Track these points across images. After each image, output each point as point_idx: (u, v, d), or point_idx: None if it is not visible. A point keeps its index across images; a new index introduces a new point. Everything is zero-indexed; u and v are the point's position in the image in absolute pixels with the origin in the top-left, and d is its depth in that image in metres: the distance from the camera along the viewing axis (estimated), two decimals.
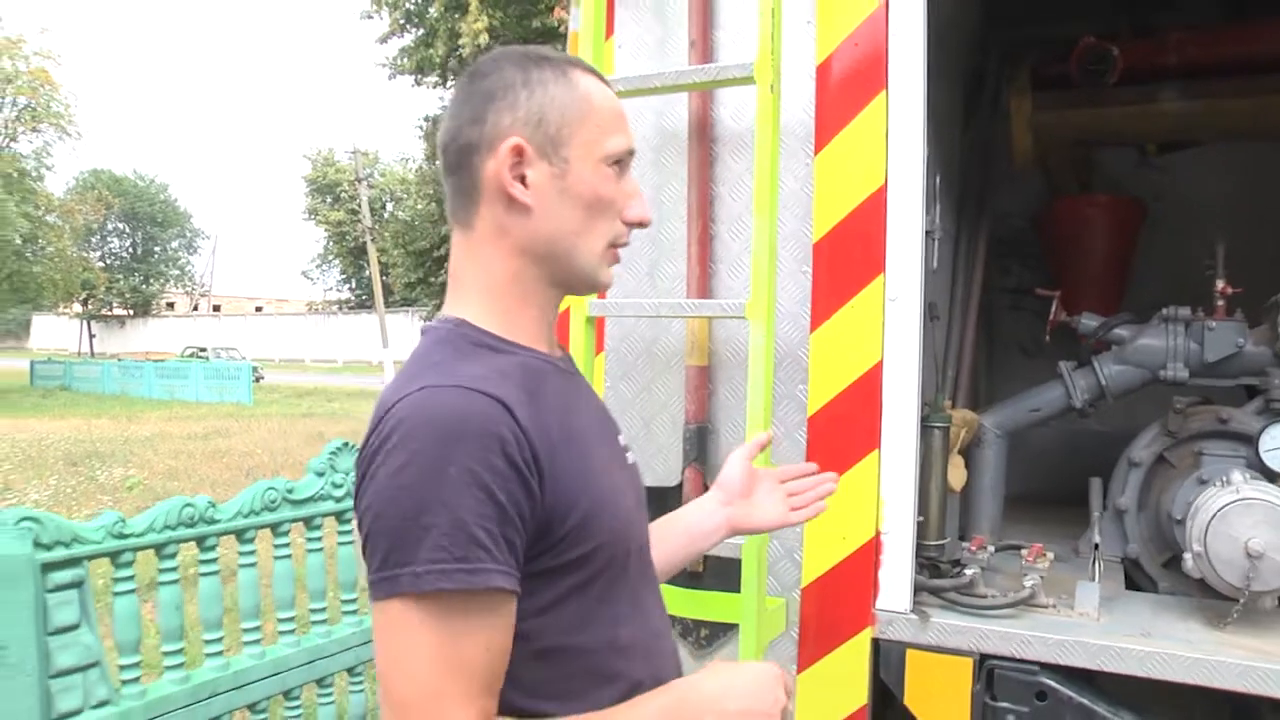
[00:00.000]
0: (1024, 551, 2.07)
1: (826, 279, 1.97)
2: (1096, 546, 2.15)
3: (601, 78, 1.09)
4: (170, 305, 57.64)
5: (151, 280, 50.56)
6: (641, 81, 1.95)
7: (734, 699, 1.00)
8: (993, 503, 2.68)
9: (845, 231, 1.95)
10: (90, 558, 2.62)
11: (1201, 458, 2.36)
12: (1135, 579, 2.46)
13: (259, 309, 61.12)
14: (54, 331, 54.92)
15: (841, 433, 1.95)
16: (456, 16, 12.75)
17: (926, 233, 2.30)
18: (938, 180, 2.40)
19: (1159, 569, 2.43)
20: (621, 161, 1.06)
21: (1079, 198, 3.42)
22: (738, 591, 1.85)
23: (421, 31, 14.54)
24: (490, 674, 0.91)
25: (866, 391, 1.92)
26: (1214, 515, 1.91)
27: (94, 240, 46.55)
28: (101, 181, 45.28)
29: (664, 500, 2.13)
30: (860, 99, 1.90)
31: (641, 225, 1.09)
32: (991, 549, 2.17)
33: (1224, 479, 2.04)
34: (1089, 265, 3.28)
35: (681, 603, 2.08)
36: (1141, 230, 3.40)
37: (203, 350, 36.02)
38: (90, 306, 45.92)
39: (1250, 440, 2.26)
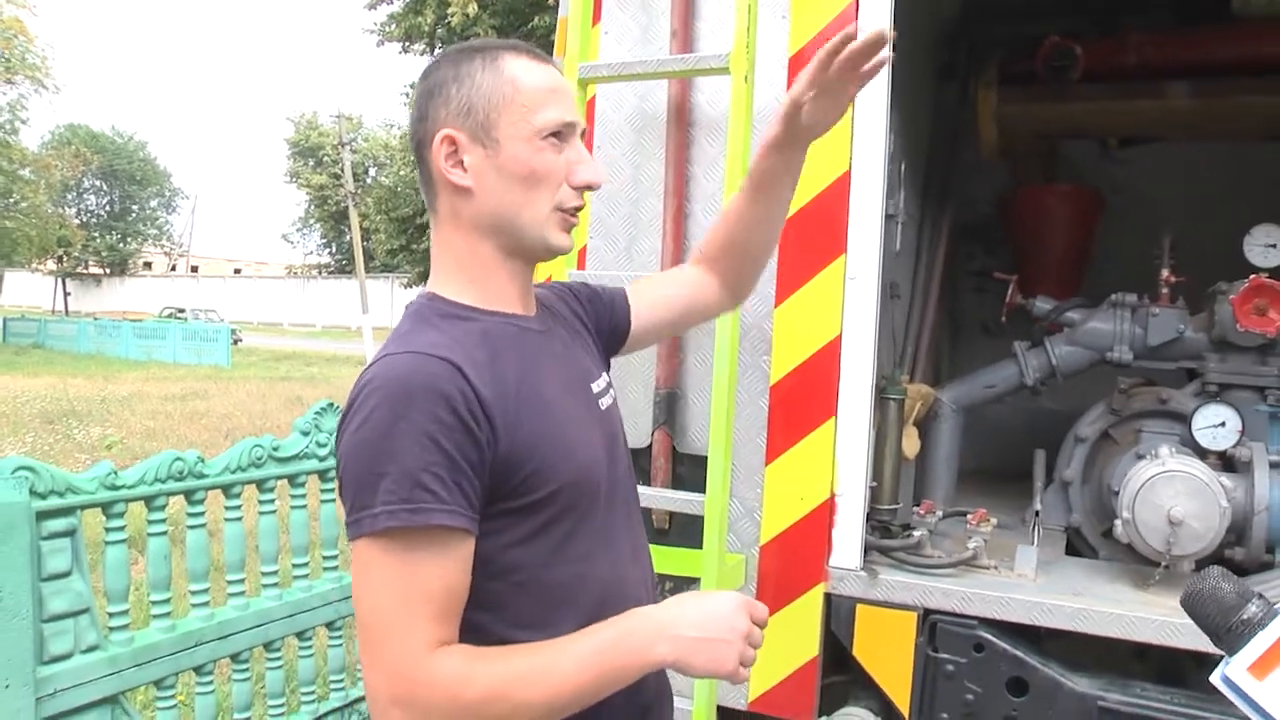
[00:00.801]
0: (969, 516, 2.21)
1: (791, 257, 2.10)
2: (1037, 514, 2.31)
3: (539, 59, 1.17)
4: (147, 265, 56.84)
5: (129, 239, 49.80)
6: (623, 68, 2.06)
7: (689, 625, 1.03)
8: (947, 473, 2.84)
9: (810, 214, 2.07)
10: (83, 507, 2.71)
11: (1141, 434, 2.52)
12: (1078, 547, 2.63)
13: (238, 271, 60.51)
14: (27, 288, 54.05)
15: (801, 401, 2.08)
16: None
17: (889, 217, 2.43)
18: (902, 167, 2.52)
19: (1099, 538, 2.58)
20: (560, 133, 1.14)
21: (1040, 187, 3.56)
22: (700, 548, 1.99)
23: None
24: (444, 603, 1.01)
25: (825, 363, 2.06)
26: (1142, 485, 2.07)
27: (70, 197, 45.75)
28: (78, 137, 44.44)
29: (635, 460, 2.26)
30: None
31: (590, 188, 1.18)
32: (940, 514, 2.32)
33: (1153, 453, 2.20)
34: (1049, 251, 3.43)
35: None
36: (1100, 220, 3.55)
37: (181, 311, 35.74)
38: (65, 264, 45.25)
39: (1185, 419, 2.42)
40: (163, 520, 3.05)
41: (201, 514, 3.22)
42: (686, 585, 2.22)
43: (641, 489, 2.18)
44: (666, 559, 2.18)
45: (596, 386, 1.28)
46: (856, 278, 2.05)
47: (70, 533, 2.70)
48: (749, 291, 1.57)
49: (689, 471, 2.17)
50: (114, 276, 51.20)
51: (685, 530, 2.13)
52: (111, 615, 2.83)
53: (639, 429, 2.28)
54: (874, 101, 2.03)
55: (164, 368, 20.00)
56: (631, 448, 2.27)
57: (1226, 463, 2.33)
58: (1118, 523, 2.12)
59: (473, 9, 11.05)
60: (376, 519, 0.98)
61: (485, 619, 1.08)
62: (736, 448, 2.13)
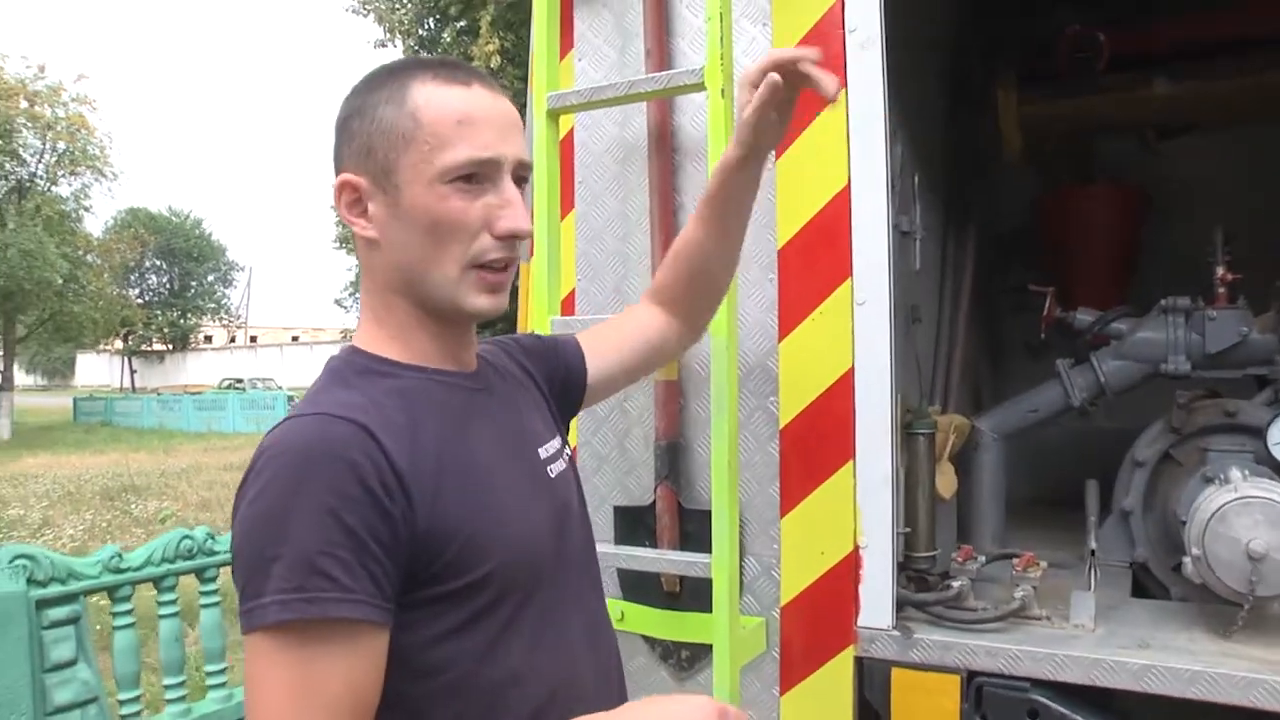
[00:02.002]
0: (1015, 561, 1.97)
1: (793, 286, 1.90)
2: (1093, 553, 2.06)
3: (458, 81, 0.99)
4: (208, 338, 58.56)
5: (189, 315, 51.41)
6: (592, 94, 1.90)
7: None
8: (993, 509, 2.58)
9: (810, 236, 1.88)
10: (87, 593, 2.62)
11: (1207, 454, 2.25)
12: (1146, 584, 2.36)
13: (295, 338, 61.90)
14: (97, 368, 56.05)
15: (815, 444, 1.88)
16: (468, 40, 12.81)
17: (904, 233, 2.23)
18: (916, 180, 2.33)
19: (1169, 573, 2.30)
20: (473, 175, 0.97)
21: (1075, 188, 3.31)
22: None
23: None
24: (349, 709, 0.86)
25: (839, 400, 1.85)
26: (1212, 516, 1.81)
27: (132, 278, 47.36)
28: (138, 220, 46.12)
29: (639, 519, 2.08)
30: (818, 99, 1.84)
31: (515, 238, 1.00)
32: (982, 559, 2.08)
33: (1223, 477, 1.94)
34: (1089, 258, 3.18)
35: (659, 624, 2.02)
36: (1145, 220, 3.29)
37: (239, 381, 36.54)
38: (130, 342, 46.77)
39: (1258, 433, 2.15)
40: (174, 601, 2.96)
41: (215, 592, 3.12)
42: (705, 653, 2.01)
43: (644, 551, 2.00)
44: (679, 625, 1.99)
45: (545, 451, 1.11)
46: (865, 302, 1.84)
47: (74, 620, 2.62)
48: (710, 320, 1.48)
49: (698, 529, 1.97)
50: (176, 352, 52.79)
51: (698, 593, 1.93)
52: (122, 703, 2.73)
53: (641, 485, 2.10)
54: (868, 107, 1.83)
55: (222, 438, 20.40)
56: (634, 505, 2.11)
57: None
58: (1187, 560, 1.86)
59: (496, 61, 11.16)
60: (267, 610, 0.83)
61: None
62: (748, 500, 1.93)
